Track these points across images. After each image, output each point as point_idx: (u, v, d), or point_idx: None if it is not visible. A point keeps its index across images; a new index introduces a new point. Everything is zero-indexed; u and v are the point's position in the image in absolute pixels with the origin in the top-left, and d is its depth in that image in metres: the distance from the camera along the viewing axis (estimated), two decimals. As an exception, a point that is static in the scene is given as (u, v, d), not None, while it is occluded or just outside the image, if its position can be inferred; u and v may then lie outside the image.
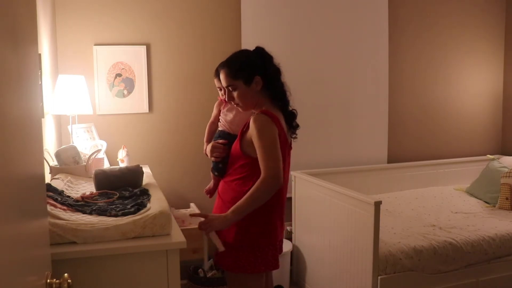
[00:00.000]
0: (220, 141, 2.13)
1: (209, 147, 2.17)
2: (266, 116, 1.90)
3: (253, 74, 1.94)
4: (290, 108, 2.07)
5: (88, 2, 3.10)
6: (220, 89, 2.25)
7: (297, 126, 2.08)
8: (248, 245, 1.96)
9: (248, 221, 1.94)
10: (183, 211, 3.18)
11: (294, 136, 2.11)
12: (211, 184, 2.29)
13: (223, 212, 1.93)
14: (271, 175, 1.84)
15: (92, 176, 2.15)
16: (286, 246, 3.39)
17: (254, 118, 1.92)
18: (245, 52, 2.06)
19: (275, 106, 2.00)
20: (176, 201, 3.34)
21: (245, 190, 1.91)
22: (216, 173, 2.17)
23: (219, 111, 2.27)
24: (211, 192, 2.29)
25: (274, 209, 1.99)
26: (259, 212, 1.92)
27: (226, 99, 2.04)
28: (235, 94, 1.97)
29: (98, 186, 2.11)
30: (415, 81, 4.01)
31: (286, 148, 2.00)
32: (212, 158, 2.15)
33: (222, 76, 2.01)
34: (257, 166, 1.90)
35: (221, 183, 2.14)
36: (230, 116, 2.16)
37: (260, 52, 2.01)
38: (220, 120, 2.23)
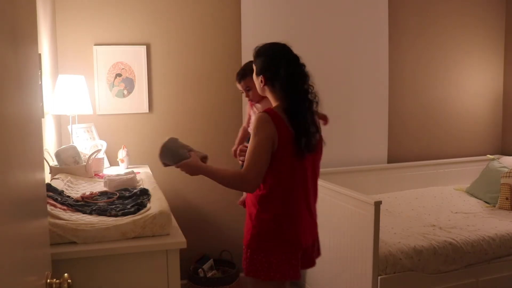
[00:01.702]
0: (246, 144, 2.06)
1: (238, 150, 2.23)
2: (266, 115, 1.84)
3: (258, 72, 1.97)
4: (302, 123, 1.91)
5: (88, 2, 3.10)
6: (242, 92, 2.36)
7: (306, 148, 1.90)
8: (262, 250, 1.93)
9: (261, 226, 1.94)
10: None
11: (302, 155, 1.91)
12: (244, 195, 2.30)
13: (249, 228, 1.99)
14: (246, 177, 1.81)
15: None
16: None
17: (256, 115, 1.90)
18: (263, 48, 2.05)
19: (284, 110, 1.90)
20: (176, 201, 3.34)
21: (262, 218, 1.92)
22: None
23: (250, 116, 2.36)
24: (243, 203, 2.27)
25: (283, 218, 1.93)
26: (270, 220, 1.91)
27: (247, 97, 2.27)
28: (250, 93, 2.23)
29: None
30: (415, 81, 4.01)
31: (290, 153, 1.87)
32: (239, 161, 2.19)
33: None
34: (275, 182, 1.88)
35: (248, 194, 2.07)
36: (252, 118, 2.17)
37: (276, 51, 2.00)
38: (250, 125, 2.29)
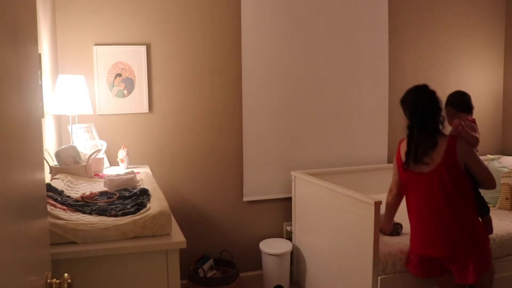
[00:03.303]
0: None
1: None
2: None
3: (403, 109, 2.53)
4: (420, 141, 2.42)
5: (88, 2, 3.10)
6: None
7: (414, 160, 2.42)
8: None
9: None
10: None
11: (407, 166, 2.45)
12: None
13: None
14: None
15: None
16: (286, 246, 3.39)
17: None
18: (408, 89, 2.56)
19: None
20: (176, 201, 3.34)
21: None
22: None
23: None
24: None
25: (410, 222, 2.53)
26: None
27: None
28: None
29: None
30: (415, 81, 3.96)
31: (402, 170, 2.49)
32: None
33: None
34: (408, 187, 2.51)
35: None
36: None
37: (415, 90, 2.49)
38: None
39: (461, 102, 2.67)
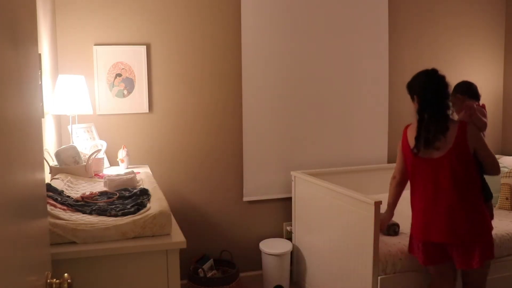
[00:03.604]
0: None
1: None
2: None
3: (411, 93, 2.48)
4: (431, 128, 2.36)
5: (88, 2, 3.10)
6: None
7: (425, 145, 2.38)
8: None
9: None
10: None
11: (417, 150, 2.41)
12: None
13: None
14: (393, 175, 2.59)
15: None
16: (286, 246, 3.39)
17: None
18: (417, 74, 2.49)
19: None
20: (176, 201, 3.34)
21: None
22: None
23: None
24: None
25: (413, 208, 2.50)
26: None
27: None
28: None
29: None
30: (415, 81, 4.01)
31: (409, 155, 2.46)
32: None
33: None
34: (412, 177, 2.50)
35: None
36: None
37: (424, 75, 2.44)
38: None
39: (470, 89, 2.68)
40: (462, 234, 2.31)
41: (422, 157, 2.39)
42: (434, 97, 2.36)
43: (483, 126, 2.48)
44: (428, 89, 2.38)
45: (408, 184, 2.55)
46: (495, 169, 2.40)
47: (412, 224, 2.50)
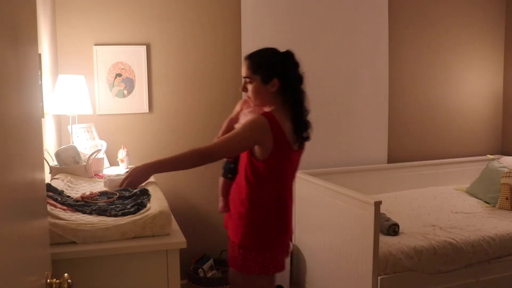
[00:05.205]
0: None
1: None
2: (265, 119, 1.90)
3: (272, 75, 1.95)
4: (304, 119, 2.00)
5: (88, 2, 3.10)
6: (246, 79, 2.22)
7: (307, 138, 2.02)
8: (254, 246, 1.98)
9: (253, 224, 1.98)
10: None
11: (300, 147, 2.02)
12: (220, 203, 2.30)
13: (239, 227, 2.02)
14: (209, 152, 1.95)
15: None
16: (286, 246, 3.39)
17: (254, 116, 1.95)
18: (272, 51, 2.02)
19: (285, 113, 1.96)
20: (176, 201, 3.34)
21: (253, 216, 1.99)
22: (229, 176, 2.19)
23: (241, 110, 2.23)
24: (225, 209, 2.28)
25: (274, 212, 2.02)
26: (262, 214, 1.98)
27: (241, 88, 2.07)
28: (250, 87, 2.00)
29: None
30: (415, 81, 4.01)
31: (286, 152, 1.96)
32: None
33: (243, 66, 2.04)
34: (265, 173, 1.95)
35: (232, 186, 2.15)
36: (248, 117, 2.09)
37: (286, 57, 1.99)
38: (239, 119, 2.21)
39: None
40: None
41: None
42: None
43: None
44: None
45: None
46: None
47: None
